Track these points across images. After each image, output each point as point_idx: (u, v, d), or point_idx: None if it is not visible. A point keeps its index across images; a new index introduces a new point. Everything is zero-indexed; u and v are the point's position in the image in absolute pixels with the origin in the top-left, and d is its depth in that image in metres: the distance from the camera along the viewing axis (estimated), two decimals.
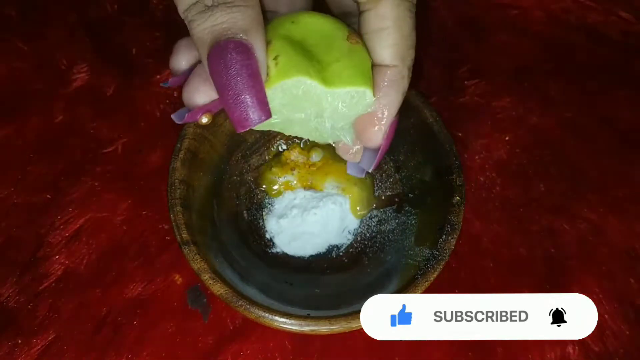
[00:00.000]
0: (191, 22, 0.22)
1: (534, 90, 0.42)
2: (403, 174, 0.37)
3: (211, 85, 0.24)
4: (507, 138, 0.40)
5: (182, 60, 0.26)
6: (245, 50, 0.21)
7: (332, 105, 0.24)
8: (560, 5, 0.47)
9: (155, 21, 0.44)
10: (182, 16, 0.23)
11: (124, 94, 0.41)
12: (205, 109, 0.24)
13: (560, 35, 0.45)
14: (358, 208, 0.36)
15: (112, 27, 0.44)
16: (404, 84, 0.25)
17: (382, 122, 0.25)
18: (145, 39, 0.44)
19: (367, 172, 0.28)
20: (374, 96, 0.24)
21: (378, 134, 0.25)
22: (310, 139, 0.28)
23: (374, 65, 0.24)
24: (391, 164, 0.37)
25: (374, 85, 0.24)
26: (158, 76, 0.42)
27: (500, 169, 0.39)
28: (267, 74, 0.23)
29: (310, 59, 0.23)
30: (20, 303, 0.34)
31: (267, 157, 0.38)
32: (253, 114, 0.22)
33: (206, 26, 0.22)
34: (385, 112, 0.25)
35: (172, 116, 0.25)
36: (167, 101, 0.41)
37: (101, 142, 0.39)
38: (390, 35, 0.24)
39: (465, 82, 0.43)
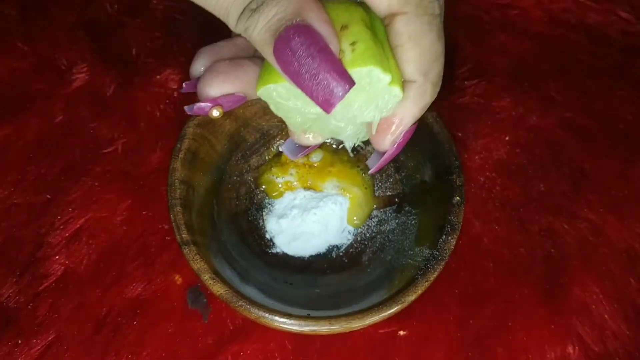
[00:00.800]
0: (247, 30, 0.22)
1: (534, 90, 0.42)
2: (403, 174, 0.37)
3: (222, 78, 0.24)
4: (507, 138, 0.40)
5: (200, 66, 0.26)
6: (306, 30, 0.21)
7: (380, 103, 0.23)
8: (560, 5, 0.47)
9: (155, 21, 0.44)
10: (237, 31, 0.22)
11: (124, 94, 0.41)
12: (215, 102, 0.24)
13: (560, 35, 0.45)
14: (355, 218, 0.36)
15: (112, 27, 0.44)
16: (426, 98, 0.24)
17: (394, 131, 0.25)
18: (145, 39, 0.44)
19: (368, 172, 0.27)
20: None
21: (388, 140, 0.25)
22: (295, 128, 0.27)
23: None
24: (391, 164, 0.37)
25: None
26: (158, 76, 0.42)
27: (500, 169, 0.39)
28: (341, 57, 0.21)
29: (383, 50, 0.22)
30: (20, 303, 0.34)
31: (267, 158, 0.38)
32: (336, 88, 0.21)
33: (261, 26, 0.21)
34: (401, 122, 0.24)
35: (185, 108, 0.26)
36: (167, 101, 0.41)
37: (101, 142, 0.39)
38: (408, 52, 0.23)
39: (465, 82, 0.43)
